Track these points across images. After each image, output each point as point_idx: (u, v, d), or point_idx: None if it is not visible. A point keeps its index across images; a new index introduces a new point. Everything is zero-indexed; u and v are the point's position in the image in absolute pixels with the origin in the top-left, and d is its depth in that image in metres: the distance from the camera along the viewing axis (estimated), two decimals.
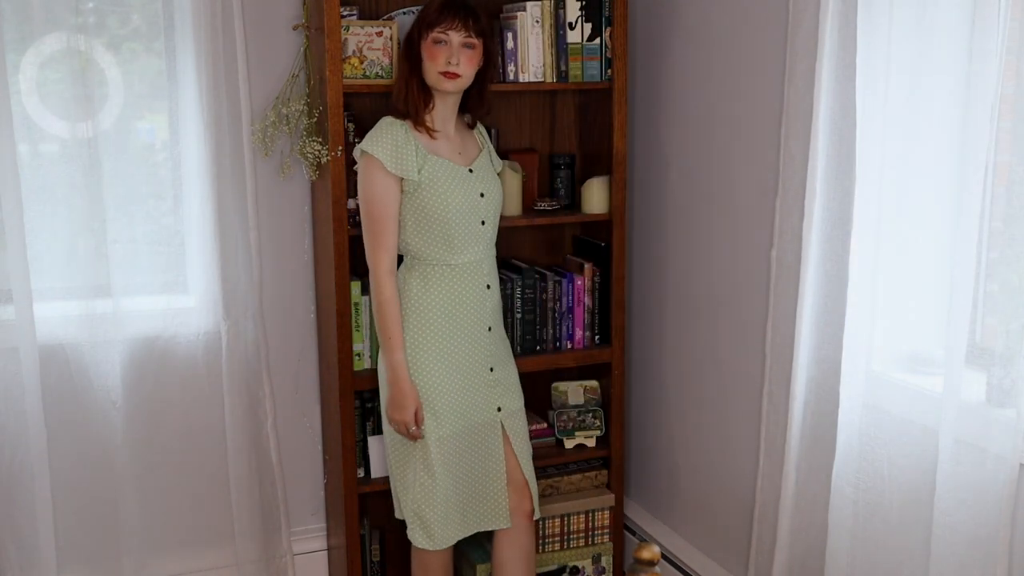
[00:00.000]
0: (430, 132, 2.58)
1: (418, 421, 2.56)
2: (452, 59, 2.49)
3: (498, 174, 2.77)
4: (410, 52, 2.57)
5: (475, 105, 2.69)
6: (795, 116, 2.42)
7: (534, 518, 2.79)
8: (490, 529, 2.77)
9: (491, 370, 2.68)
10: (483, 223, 2.62)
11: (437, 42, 2.50)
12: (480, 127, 2.80)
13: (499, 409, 2.70)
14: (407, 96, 2.56)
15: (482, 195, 2.61)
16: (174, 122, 2.98)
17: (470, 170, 2.62)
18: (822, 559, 2.38)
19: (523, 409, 2.81)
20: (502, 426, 2.71)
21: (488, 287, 2.65)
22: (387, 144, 2.51)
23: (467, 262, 2.60)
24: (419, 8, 2.87)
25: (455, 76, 2.51)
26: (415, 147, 2.53)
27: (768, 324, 2.59)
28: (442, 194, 2.53)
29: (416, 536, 2.64)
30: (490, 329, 2.67)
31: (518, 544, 2.76)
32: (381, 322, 2.56)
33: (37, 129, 2.84)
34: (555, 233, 3.32)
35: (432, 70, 2.52)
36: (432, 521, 2.60)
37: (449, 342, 2.60)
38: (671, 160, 3.12)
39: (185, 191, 2.99)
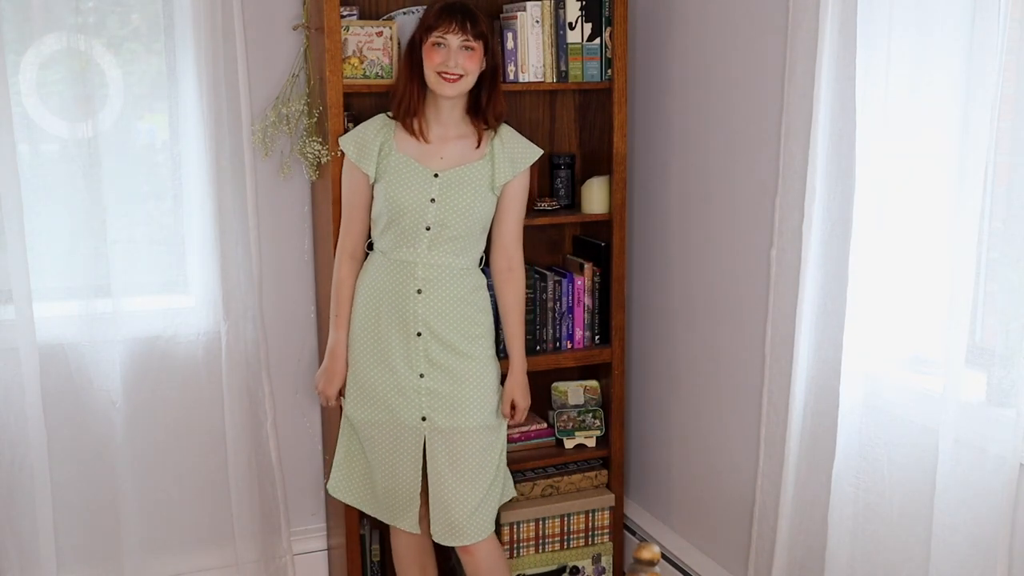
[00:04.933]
0: (418, 136, 2.60)
1: (337, 396, 2.73)
2: (450, 61, 2.50)
3: (503, 186, 2.65)
4: (412, 56, 2.58)
5: (483, 108, 2.62)
6: (795, 116, 2.42)
7: (476, 541, 2.64)
8: (398, 526, 2.73)
9: (420, 376, 2.61)
10: (428, 228, 2.57)
11: (436, 45, 2.52)
12: (505, 140, 2.66)
13: (424, 419, 2.62)
14: (401, 100, 2.60)
15: (432, 200, 2.56)
16: (174, 122, 2.98)
17: (435, 175, 2.59)
18: (822, 559, 2.38)
19: (476, 429, 2.62)
20: (425, 440, 2.62)
21: (419, 292, 2.58)
22: (356, 138, 2.65)
23: (400, 260, 2.60)
24: (419, 8, 2.88)
25: (454, 79, 2.51)
26: (381, 143, 2.61)
27: (768, 324, 2.59)
28: (388, 189, 2.59)
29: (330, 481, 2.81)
30: (419, 335, 2.59)
31: (471, 568, 2.70)
32: (332, 300, 2.71)
33: (37, 129, 2.84)
34: (555, 233, 3.32)
35: (431, 72, 2.53)
36: (340, 474, 2.77)
37: (374, 334, 2.63)
38: (671, 160, 3.12)
39: (185, 191, 2.99)
